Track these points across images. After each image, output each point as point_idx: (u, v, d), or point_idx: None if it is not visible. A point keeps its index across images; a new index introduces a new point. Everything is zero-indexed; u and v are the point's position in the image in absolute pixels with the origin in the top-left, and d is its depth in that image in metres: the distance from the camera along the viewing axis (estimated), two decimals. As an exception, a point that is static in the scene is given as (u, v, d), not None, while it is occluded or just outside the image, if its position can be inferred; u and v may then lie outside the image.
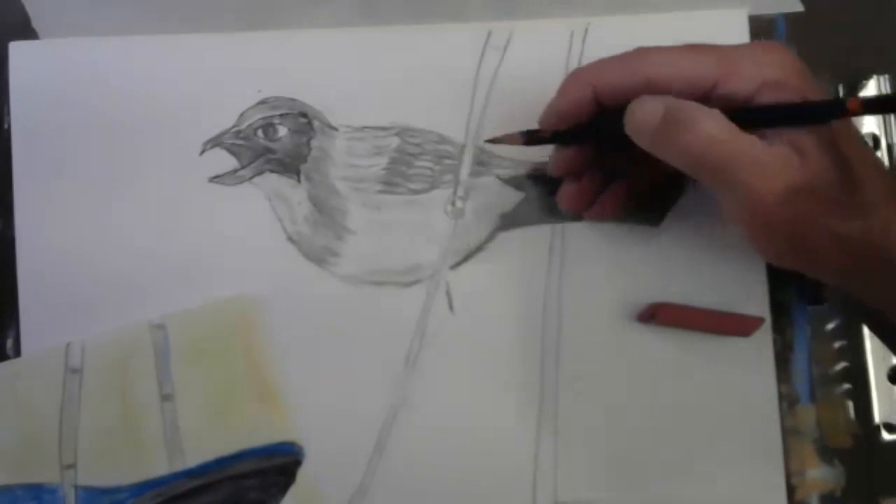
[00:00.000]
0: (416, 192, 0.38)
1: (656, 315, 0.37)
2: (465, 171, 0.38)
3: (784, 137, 0.30)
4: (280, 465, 0.37)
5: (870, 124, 0.39)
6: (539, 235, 0.38)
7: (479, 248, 0.38)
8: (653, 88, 0.31)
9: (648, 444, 0.37)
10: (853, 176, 0.30)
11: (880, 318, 0.38)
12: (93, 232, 0.37)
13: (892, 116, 0.39)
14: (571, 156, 0.35)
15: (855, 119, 0.39)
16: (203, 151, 0.38)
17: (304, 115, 0.38)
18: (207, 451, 0.36)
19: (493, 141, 0.36)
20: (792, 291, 0.39)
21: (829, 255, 0.31)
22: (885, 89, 0.39)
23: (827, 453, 0.38)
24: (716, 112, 0.30)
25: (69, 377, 0.36)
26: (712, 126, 0.30)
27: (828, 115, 0.30)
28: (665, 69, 0.31)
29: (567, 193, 0.36)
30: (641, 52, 0.32)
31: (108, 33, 0.38)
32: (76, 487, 0.36)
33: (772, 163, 0.29)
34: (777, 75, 0.30)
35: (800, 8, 0.40)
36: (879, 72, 0.39)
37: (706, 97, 0.31)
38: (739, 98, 0.30)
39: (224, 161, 0.38)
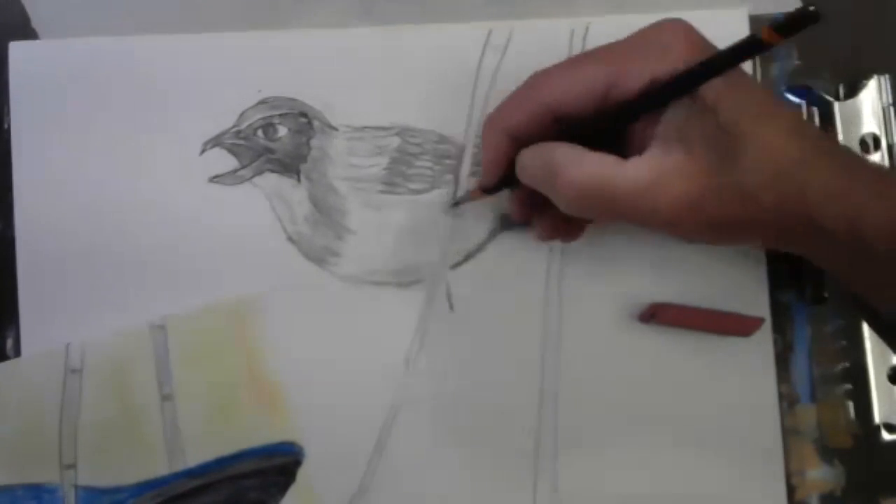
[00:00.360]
0: (416, 192, 0.38)
1: (656, 315, 0.37)
2: (465, 171, 0.38)
3: (669, 134, 0.29)
4: (280, 465, 0.37)
5: (870, 124, 0.39)
6: (539, 235, 0.38)
7: (479, 248, 0.38)
8: (555, 111, 0.31)
9: (648, 444, 0.37)
10: (748, 146, 0.28)
11: (879, 315, 0.37)
12: (92, 232, 0.37)
13: (893, 118, 0.39)
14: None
15: (854, 120, 0.39)
16: (203, 151, 0.38)
17: (304, 114, 0.38)
18: (207, 451, 0.36)
19: (459, 202, 0.38)
20: (792, 291, 0.39)
21: (756, 231, 0.31)
22: (886, 89, 0.39)
23: (827, 453, 0.38)
24: (591, 155, 0.30)
25: (69, 377, 0.36)
26: (583, 169, 0.30)
27: (745, 55, 0.27)
28: (558, 91, 0.31)
29: (510, 203, 0.36)
30: (535, 80, 0.32)
31: (108, 33, 0.38)
32: (76, 487, 0.36)
33: (654, 184, 0.29)
34: (666, 62, 0.29)
35: (800, 8, 0.40)
36: (879, 72, 0.39)
37: (605, 102, 0.31)
38: (633, 96, 0.30)
39: (224, 161, 0.38)
